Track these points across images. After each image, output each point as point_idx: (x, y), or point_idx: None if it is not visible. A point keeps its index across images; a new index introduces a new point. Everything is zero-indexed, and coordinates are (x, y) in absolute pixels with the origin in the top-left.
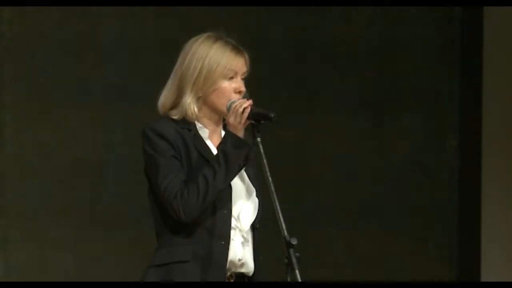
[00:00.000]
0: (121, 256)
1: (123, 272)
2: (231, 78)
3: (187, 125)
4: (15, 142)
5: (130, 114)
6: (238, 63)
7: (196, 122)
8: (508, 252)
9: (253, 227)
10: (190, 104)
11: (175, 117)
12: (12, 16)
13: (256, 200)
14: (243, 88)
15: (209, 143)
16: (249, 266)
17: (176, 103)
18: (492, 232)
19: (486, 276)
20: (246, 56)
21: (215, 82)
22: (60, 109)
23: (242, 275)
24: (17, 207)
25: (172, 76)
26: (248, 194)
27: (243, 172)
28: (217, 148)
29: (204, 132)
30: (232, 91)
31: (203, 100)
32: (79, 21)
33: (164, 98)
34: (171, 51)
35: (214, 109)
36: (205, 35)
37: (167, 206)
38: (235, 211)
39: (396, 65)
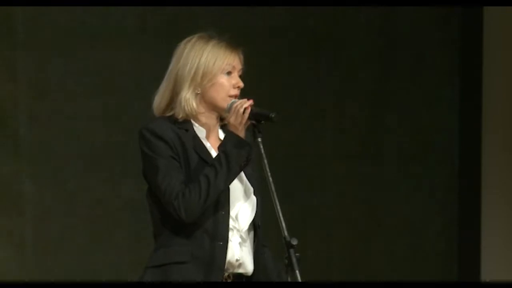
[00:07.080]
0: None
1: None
2: (229, 73)
3: (184, 125)
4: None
5: None
6: (235, 59)
7: (193, 122)
8: (508, 252)
9: (254, 226)
10: (189, 100)
11: (171, 116)
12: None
13: (254, 199)
14: (241, 84)
15: (207, 144)
16: (247, 267)
17: (172, 102)
18: (492, 231)
19: (486, 276)
20: (241, 53)
21: (214, 77)
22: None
23: (240, 275)
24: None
25: (166, 77)
26: (246, 194)
27: (241, 172)
28: (218, 148)
29: (201, 132)
30: (230, 86)
31: (202, 97)
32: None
33: (159, 98)
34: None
35: (213, 105)
36: (197, 35)
37: (168, 206)
38: (233, 212)
39: (395, 65)
